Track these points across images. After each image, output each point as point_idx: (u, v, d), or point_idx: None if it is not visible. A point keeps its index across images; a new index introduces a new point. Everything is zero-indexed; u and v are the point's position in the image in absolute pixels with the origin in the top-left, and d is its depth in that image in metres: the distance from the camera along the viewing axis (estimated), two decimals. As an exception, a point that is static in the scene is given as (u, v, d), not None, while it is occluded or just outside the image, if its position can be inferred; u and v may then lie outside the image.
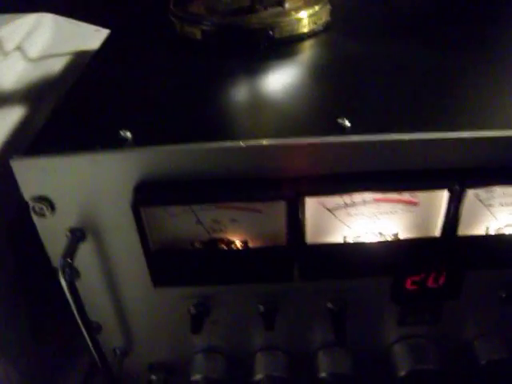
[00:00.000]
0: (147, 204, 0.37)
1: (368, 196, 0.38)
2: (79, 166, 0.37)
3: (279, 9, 0.50)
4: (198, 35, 0.50)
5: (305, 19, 0.51)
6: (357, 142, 0.36)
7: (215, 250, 0.40)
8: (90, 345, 0.43)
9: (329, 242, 0.39)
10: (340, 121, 0.38)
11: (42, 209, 0.39)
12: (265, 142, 0.36)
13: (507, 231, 0.40)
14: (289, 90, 0.45)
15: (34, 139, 0.39)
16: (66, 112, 0.44)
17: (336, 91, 0.45)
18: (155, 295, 0.44)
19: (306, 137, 0.37)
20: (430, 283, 0.45)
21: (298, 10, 0.51)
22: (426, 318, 0.48)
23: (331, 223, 0.39)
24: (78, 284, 0.43)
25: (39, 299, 0.49)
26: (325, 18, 0.54)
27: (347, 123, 0.37)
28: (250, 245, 0.40)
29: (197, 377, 0.48)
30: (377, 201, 0.38)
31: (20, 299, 0.48)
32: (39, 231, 0.40)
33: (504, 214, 0.40)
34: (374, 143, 0.36)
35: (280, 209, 0.37)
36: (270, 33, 0.49)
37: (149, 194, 0.37)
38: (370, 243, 0.40)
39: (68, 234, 0.40)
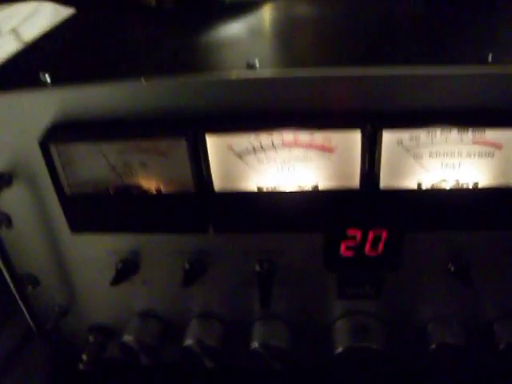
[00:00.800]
0: (55, 141, 0.37)
1: (276, 138, 0.36)
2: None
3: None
4: (153, 2, 0.51)
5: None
6: (262, 79, 0.35)
7: (127, 194, 0.39)
8: (18, 298, 0.44)
9: (238, 190, 0.38)
10: (250, 61, 0.37)
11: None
12: (166, 80, 0.36)
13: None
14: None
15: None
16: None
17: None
18: (90, 245, 0.44)
19: (213, 73, 0.36)
20: (367, 250, 0.42)
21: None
22: (367, 290, 0.44)
23: (242, 171, 0.38)
24: (12, 234, 0.44)
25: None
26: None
27: (257, 63, 0.36)
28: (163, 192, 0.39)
29: (128, 338, 0.47)
30: (286, 145, 0.36)
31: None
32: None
33: (436, 166, 0.37)
34: (282, 80, 0.35)
35: (183, 151, 0.37)
36: (222, -3, 0.49)
37: (58, 132, 0.38)
38: (283, 192, 0.38)
39: (-7, 176, 0.41)
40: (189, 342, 0.46)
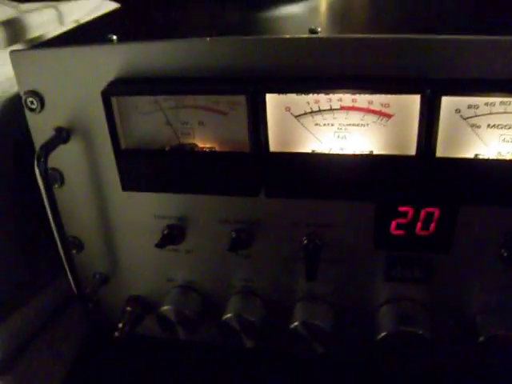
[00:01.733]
0: (117, 93, 0.39)
1: (335, 102, 0.37)
2: (66, 58, 0.40)
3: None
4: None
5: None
6: (324, 40, 0.36)
7: (181, 152, 0.40)
8: (64, 260, 0.45)
9: (293, 151, 0.39)
10: (313, 27, 0.38)
11: (32, 102, 0.43)
12: (231, 40, 0.38)
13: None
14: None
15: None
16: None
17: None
18: (139, 208, 0.45)
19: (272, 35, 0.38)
20: (419, 229, 0.42)
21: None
22: (416, 273, 0.44)
23: (299, 133, 0.38)
24: (63, 194, 0.46)
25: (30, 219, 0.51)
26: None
27: (319, 29, 0.38)
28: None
29: (166, 308, 0.47)
30: (344, 109, 0.37)
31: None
32: (30, 128, 0.44)
33: (494, 138, 0.37)
34: (343, 42, 0.36)
35: (243, 111, 0.38)
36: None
37: (120, 86, 0.40)
38: (338, 155, 0.38)
39: (53, 132, 0.43)
40: (228, 315, 0.46)
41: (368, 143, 0.38)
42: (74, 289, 0.47)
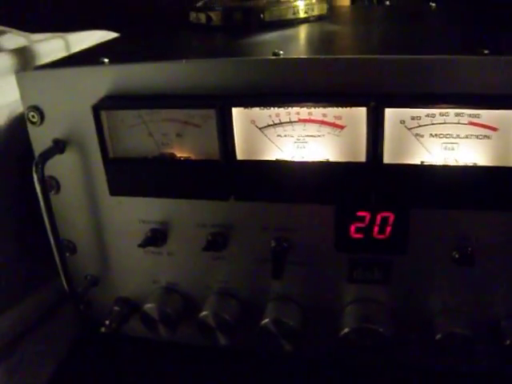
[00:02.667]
0: (106, 107, 0.45)
1: (293, 115, 0.42)
2: (63, 77, 0.47)
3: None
4: (203, 20, 0.61)
5: (296, 7, 0.59)
6: (285, 60, 0.42)
7: (162, 160, 0.46)
8: (58, 262, 0.50)
9: (258, 159, 0.44)
10: (276, 51, 0.44)
11: (33, 116, 0.49)
12: (203, 61, 0.44)
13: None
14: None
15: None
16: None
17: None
18: (126, 214, 0.51)
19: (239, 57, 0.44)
20: (376, 234, 0.46)
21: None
22: (376, 275, 0.48)
23: (263, 143, 0.44)
24: (58, 200, 0.52)
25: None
26: (318, 11, 0.62)
27: (281, 53, 0.44)
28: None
29: (149, 306, 0.52)
30: (302, 121, 0.42)
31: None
32: (31, 139, 0.50)
33: (437, 146, 0.41)
34: (299, 62, 0.42)
35: (214, 124, 0.43)
36: (261, 16, 0.58)
37: (109, 101, 0.46)
38: (299, 162, 0.43)
39: (51, 143, 0.49)
40: (204, 313, 0.50)
41: (324, 152, 0.43)
42: (67, 288, 0.52)
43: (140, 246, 0.49)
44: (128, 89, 0.46)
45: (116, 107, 0.45)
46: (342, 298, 0.50)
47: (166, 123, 0.45)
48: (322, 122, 0.42)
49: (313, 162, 0.43)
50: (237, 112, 0.43)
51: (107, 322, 0.53)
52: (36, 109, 0.49)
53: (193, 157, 0.46)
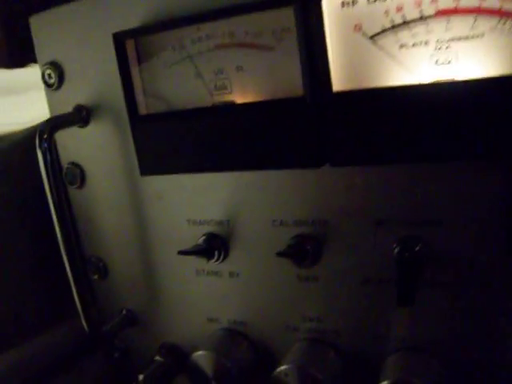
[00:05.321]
0: (132, 34, 0.31)
1: (428, 6, 0.25)
2: (85, 12, 0.34)
3: None
4: None
5: None
6: None
7: (215, 108, 0.30)
8: (72, 283, 0.35)
9: (368, 87, 0.26)
10: None
11: (50, 76, 0.37)
12: None
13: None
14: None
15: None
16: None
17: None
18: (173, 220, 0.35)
19: None
20: None
21: None
22: None
23: (376, 62, 0.26)
24: (82, 197, 0.38)
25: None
26: None
27: None
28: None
29: (201, 353, 0.34)
30: (442, 14, 0.25)
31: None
32: (49, 109, 0.38)
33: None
34: None
35: (293, 41, 0.27)
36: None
37: (136, 29, 0.31)
38: (442, 85, 0.25)
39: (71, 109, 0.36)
40: (283, 368, 0.31)
41: (488, 63, 0.25)
42: (85, 324, 0.36)
43: (182, 253, 0.32)
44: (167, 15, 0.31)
45: (147, 31, 0.31)
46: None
47: (221, 53, 0.30)
48: (480, 11, 0.24)
49: (472, 82, 0.25)
50: (330, 11, 0.26)
51: (141, 378, 0.36)
52: (54, 65, 0.36)
53: (262, 98, 0.29)
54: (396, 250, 0.29)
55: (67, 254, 0.34)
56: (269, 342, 0.35)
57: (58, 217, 0.34)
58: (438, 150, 0.26)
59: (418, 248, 0.28)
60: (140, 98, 0.32)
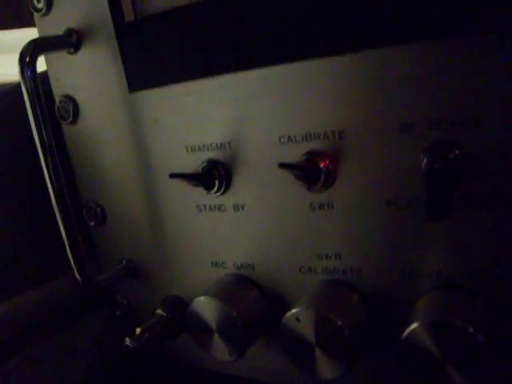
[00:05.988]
0: None
1: None
2: None
3: None
4: None
5: None
6: None
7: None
8: (61, 228, 0.31)
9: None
10: None
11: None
12: None
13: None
14: None
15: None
16: None
17: None
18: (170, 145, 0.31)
19: None
20: None
21: None
22: None
23: None
24: (76, 132, 0.35)
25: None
26: None
27: None
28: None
29: (200, 300, 0.30)
30: None
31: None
32: (39, 33, 0.34)
33: None
34: None
35: None
36: None
37: None
38: None
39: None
40: (294, 311, 0.26)
41: None
42: (77, 274, 0.32)
43: (173, 176, 0.28)
44: None
45: None
46: None
47: None
48: None
49: None
50: None
51: (138, 331, 0.32)
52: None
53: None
54: (424, 161, 0.24)
55: (55, 196, 0.31)
56: (280, 288, 0.30)
57: (44, 154, 0.30)
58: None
59: (452, 156, 0.23)
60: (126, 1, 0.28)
